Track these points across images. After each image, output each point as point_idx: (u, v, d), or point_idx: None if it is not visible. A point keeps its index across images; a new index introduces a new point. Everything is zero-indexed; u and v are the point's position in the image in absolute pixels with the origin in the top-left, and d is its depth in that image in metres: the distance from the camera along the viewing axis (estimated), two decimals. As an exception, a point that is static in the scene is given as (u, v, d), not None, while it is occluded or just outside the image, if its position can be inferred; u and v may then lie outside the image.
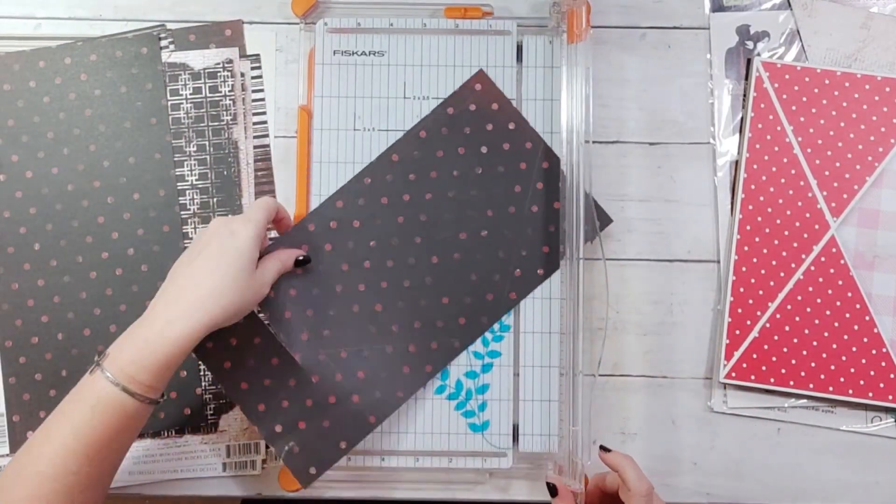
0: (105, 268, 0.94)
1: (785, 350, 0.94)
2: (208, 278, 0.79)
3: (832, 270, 0.94)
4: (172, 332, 0.76)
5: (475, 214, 0.94)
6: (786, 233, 0.95)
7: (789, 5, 0.98)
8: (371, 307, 0.92)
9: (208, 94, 0.97)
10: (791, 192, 0.95)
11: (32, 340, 0.94)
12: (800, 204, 0.95)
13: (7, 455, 0.93)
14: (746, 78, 0.98)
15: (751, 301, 0.94)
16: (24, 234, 0.94)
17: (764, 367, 0.94)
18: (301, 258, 0.90)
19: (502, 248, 0.93)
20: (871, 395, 0.94)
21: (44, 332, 0.94)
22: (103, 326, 0.94)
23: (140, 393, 0.76)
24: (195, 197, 0.96)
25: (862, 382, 0.94)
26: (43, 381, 0.94)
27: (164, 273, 0.93)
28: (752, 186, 0.95)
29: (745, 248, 0.95)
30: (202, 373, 0.94)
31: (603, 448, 0.86)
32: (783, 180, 0.95)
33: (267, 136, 0.97)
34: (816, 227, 0.95)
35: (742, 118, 0.97)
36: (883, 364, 0.94)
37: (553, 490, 0.87)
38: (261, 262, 0.85)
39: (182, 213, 0.95)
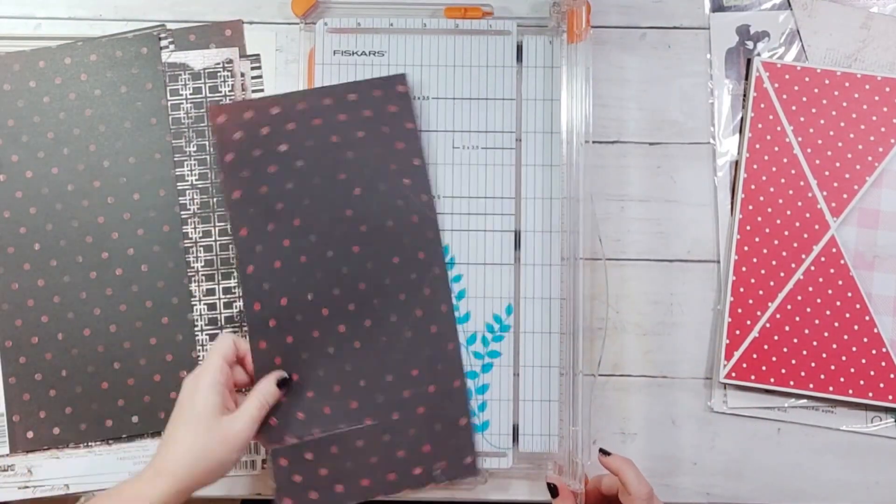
0: (105, 268, 0.94)
1: (785, 350, 0.94)
2: (172, 442, 0.79)
3: (832, 270, 0.94)
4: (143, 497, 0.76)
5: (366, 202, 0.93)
6: (786, 233, 0.95)
7: (789, 5, 0.98)
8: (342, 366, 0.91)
9: (208, 94, 0.97)
10: (791, 192, 0.95)
11: (32, 340, 0.94)
12: (800, 204, 0.95)
13: (6, 455, 0.93)
14: (746, 78, 0.98)
15: (751, 301, 0.94)
16: (24, 234, 0.94)
17: (764, 367, 0.94)
18: (281, 379, 0.88)
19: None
20: (871, 395, 0.94)
21: (44, 332, 0.94)
22: (103, 326, 0.94)
23: None
24: (195, 197, 0.96)
25: (862, 382, 0.94)
26: (43, 382, 0.93)
27: (163, 273, 0.94)
28: (752, 186, 0.95)
29: (745, 248, 0.95)
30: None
31: (602, 451, 0.86)
32: (783, 180, 0.95)
33: (267, 136, 0.97)
34: (816, 227, 0.95)
35: (742, 118, 0.97)
36: (883, 364, 0.94)
37: (554, 490, 0.87)
38: (240, 406, 0.84)
39: (182, 213, 0.95)
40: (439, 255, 0.93)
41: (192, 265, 0.95)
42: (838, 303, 0.94)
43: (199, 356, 0.95)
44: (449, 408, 0.91)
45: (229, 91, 0.97)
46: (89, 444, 0.94)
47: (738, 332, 0.94)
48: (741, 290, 0.95)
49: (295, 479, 0.88)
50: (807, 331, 0.94)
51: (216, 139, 0.92)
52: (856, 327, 0.94)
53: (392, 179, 0.93)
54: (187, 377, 0.82)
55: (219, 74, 0.97)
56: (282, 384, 0.88)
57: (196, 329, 0.95)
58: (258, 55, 0.98)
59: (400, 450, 0.90)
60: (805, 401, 0.95)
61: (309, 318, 0.90)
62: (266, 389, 0.86)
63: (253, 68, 0.98)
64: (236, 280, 0.95)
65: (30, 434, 0.93)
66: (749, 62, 0.98)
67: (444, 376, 0.91)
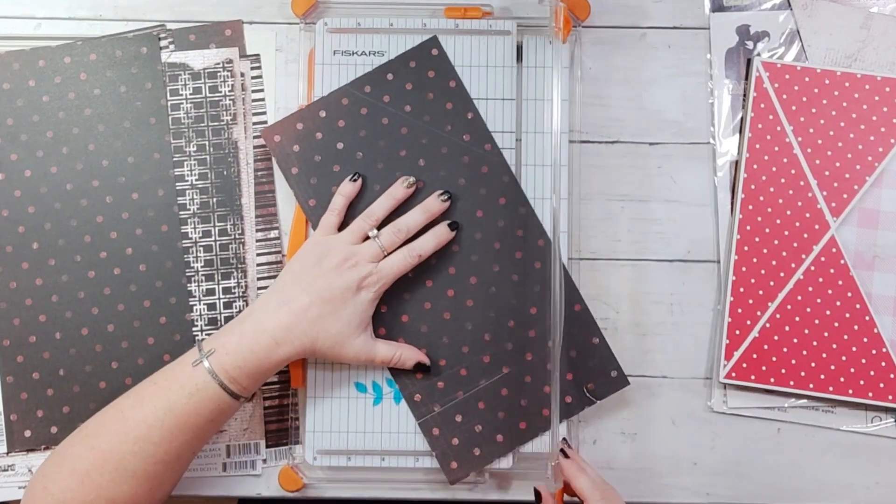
0: (103, 267, 0.94)
1: (785, 350, 0.94)
2: (323, 319, 0.85)
3: (832, 270, 0.94)
4: (277, 354, 0.84)
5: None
6: (786, 233, 0.95)
7: (789, 5, 0.98)
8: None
9: (208, 94, 0.97)
10: (791, 192, 0.95)
11: (30, 339, 0.93)
12: (800, 204, 0.95)
13: (6, 455, 0.94)
14: (746, 78, 0.98)
15: (751, 301, 0.94)
16: (22, 233, 0.94)
17: (764, 367, 0.94)
18: (421, 363, 0.92)
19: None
20: (871, 395, 0.94)
21: (41, 332, 0.94)
22: (101, 326, 0.94)
23: (237, 392, 0.83)
24: (195, 197, 0.96)
25: (862, 382, 0.94)
26: (40, 381, 0.93)
27: (161, 273, 0.94)
28: (752, 186, 0.95)
29: (745, 248, 0.95)
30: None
31: (563, 452, 0.89)
32: (783, 180, 0.95)
33: (267, 135, 0.97)
34: (816, 227, 0.95)
35: (742, 118, 0.97)
36: (883, 364, 0.94)
37: (538, 496, 0.89)
38: (380, 341, 0.90)
39: (182, 213, 0.95)
40: (521, 195, 0.95)
41: (191, 265, 0.95)
42: (838, 303, 0.94)
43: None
44: (577, 332, 0.94)
45: (229, 91, 0.97)
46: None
47: (738, 332, 0.94)
48: (741, 290, 0.94)
49: (453, 443, 0.92)
50: (807, 331, 0.94)
51: (277, 158, 0.95)
52: (856, 327, 0.94)
53: (451, 141, 0.95)
54: (352, 275, 0.86)
55: (219, 74, 0.97)
56: (419, 368, 0.92)
57: (195, 329, 0.95)
58: (258, 55, 0.98)
59: (545, 386, 0.93)
60: (805, 401, 0.95)
61: (413, 294, 0.94)
62: (405, 354, 0.91)
63: (253, 68, 0.98)
64: (236, 280, 0.95)
65: (27, 433, 0.93)
66: (749, 62, 0.98)
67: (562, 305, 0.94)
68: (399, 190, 0.92)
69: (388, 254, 0.89)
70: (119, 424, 0.81)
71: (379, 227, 0.90)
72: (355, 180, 0.92)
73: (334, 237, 0.89)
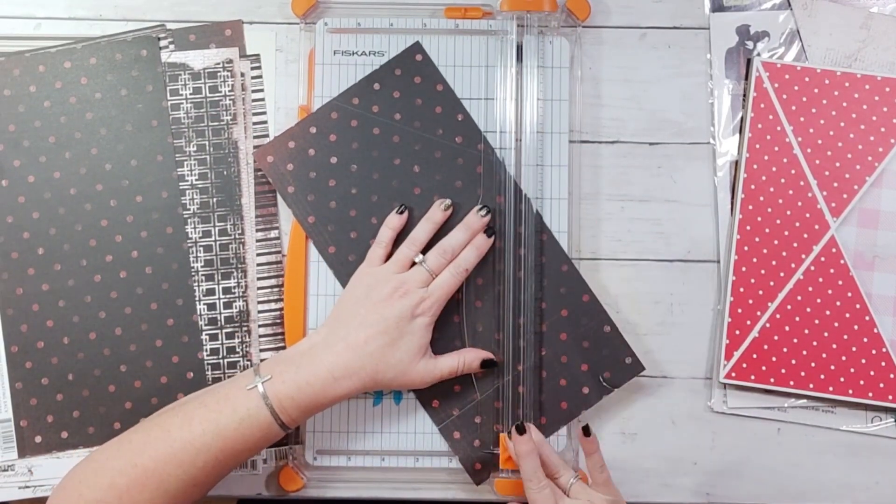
0: (109, 271, 0.95)
1: (785, 350, 0.94)
2: (381, 351, 0.85)
3: (832, 270, 0.94)
4: (335, 390, 0.84)
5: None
6: (786, 233, 0.95)
7: (789, 5, 0.98)
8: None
9: (208, 95, 0.97)
10: (791, 192, 0.95)
11: (38, 345, 0.94)
12: (800, 204, 0.95)
13: (15, 459, 0.94)
14: (746, 78, 0.97)
15: (751, 301, 0.94)
16: (27, 238, 0.94)
17: (764, 367, 0.94)
18: (487, 360, 0.92)
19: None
20: (871, 395, 0.94)
21: (49, 337, 0.94)
22: (108, 329, 0.94)
23: (285, 422, 0.83)
24: (195, 197, 0.96)
25: (862, 382, 0.94)
26: (50, 386, 0.94)
27: (167, 275, 0.95)
28: (752, 186, 0.95)
29: (745, 248, 0.95)
30: (206, 371, 0.95)
31: (518, 427, 0.87)
32: (783, 180, 0.95)
33: (267, 136, 0.97)
34: (816, 227, 0.95)
35: (742, 118, 0.97)
36: (883, 364, 0.94)
37: (521, 429, 0.87)
38: (441, 356, 0.90)
39: (183, 213, 0.96)
40: (518, 192, 0.95)
41: (192, 265, 0.95)
42: (838, 303, 0.94)
43: (205, 357, 0.95)
44: (588, 322, 0.94)
45: (229, 91, 0.97)
46: (94, 446, 0.94)
47: (738, 332, 0.94)
48: (741, 290, 0.95)
49: (476, 445, 0.93)
50: (807, 331, 0.94)
51: (272, 178, 0.95)
52: (856, 327, 0.94)
53: (444, 144, 0.95)
54: (406, 306, 0.86)
55: (219, 74, 0.97)
56: (486, 364, 0.92)
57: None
58: (258, 55, 0.98)
59: (561, 379, 0.94)
60: (805, 401, 0.95)
61: None
62: (468, 358, 0.91)
63: (253, 68, 0.98)
64: (236, 280, 0.96)
65: (38, 439, 0.94)
66: (749, 62, 0.97)
67: (570, 297, 0.94)
68: (437, 213, 0.92)
69: (435, 276, 0.89)
70: (165, 444, 0.80)
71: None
72: (402, 212, 0.92)
73: (381, 268, 0.89)
